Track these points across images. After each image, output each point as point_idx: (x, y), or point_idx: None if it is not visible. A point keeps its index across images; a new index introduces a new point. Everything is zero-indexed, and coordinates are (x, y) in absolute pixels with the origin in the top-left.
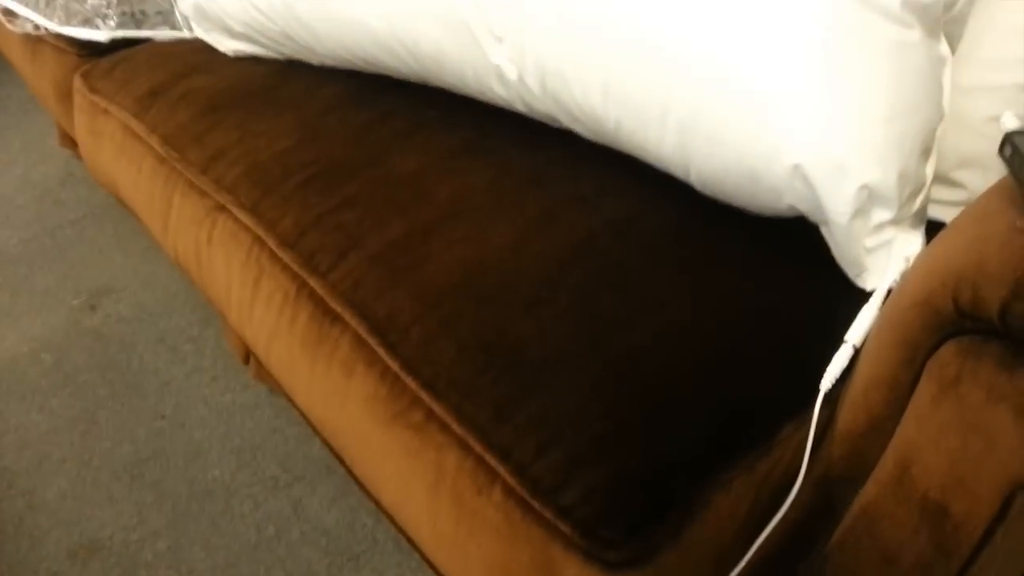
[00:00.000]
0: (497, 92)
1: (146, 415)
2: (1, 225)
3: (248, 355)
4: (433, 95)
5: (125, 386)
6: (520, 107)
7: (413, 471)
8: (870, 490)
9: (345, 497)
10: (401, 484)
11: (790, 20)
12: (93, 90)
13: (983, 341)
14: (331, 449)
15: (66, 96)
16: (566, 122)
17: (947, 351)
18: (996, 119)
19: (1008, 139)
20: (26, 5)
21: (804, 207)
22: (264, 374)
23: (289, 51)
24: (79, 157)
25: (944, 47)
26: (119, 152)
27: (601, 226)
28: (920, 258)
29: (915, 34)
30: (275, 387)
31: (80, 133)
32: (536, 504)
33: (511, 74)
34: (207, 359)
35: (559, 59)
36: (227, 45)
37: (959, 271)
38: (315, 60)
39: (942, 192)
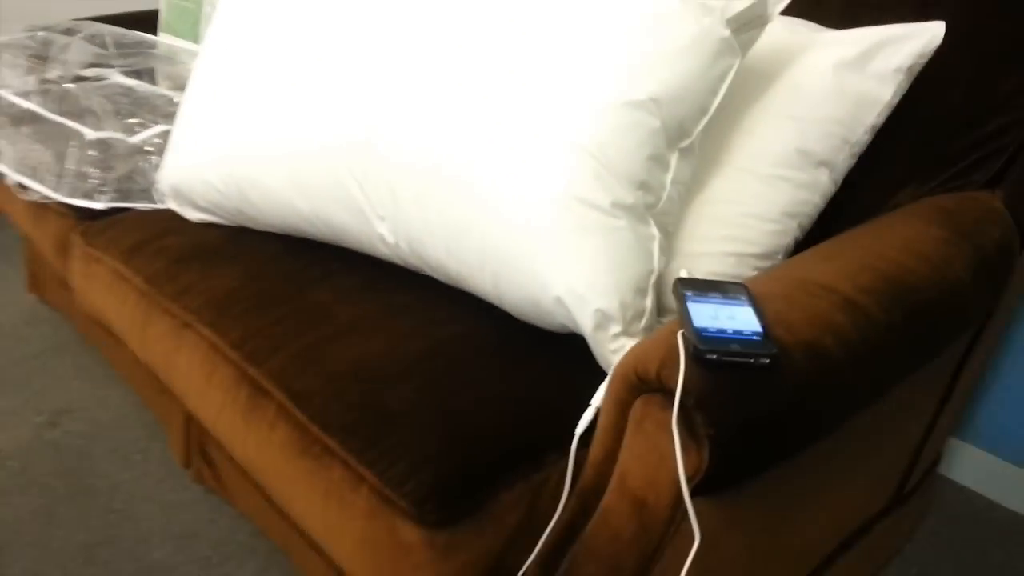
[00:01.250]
0: (382, 251)
1: (99, 509)
2: None
3: (189, 460)
4: (340, 251)
5: (81, 486)
6: (397, 261)
7: (313, 486)
8: (607, 496)
9: (268, 572)
10: (306, 496)
11: (546, 213)
12: (89, 244)
13: (652, 395)
14: (261, 490)
15: (63, 249)
16: (427, 271)
17: (637, 403)
18: (712, 273)
19: (676, 282)
20: (37, 180)
21: (569, 324)
22: (201, 476)
23: (239, 220)
24: (45, 302)
25: (652, 229)
26: (108, 290)
27: (447, 338)
28: (627, 352)
29: (623, 223)
30: (211, 487)
31: (75, 276)
32: (388, 492)
33: (390, 239)
34: (153, 465)
35: (419, 231)
36: (193, 215)
37: (639, 356)
38: (257, 227)
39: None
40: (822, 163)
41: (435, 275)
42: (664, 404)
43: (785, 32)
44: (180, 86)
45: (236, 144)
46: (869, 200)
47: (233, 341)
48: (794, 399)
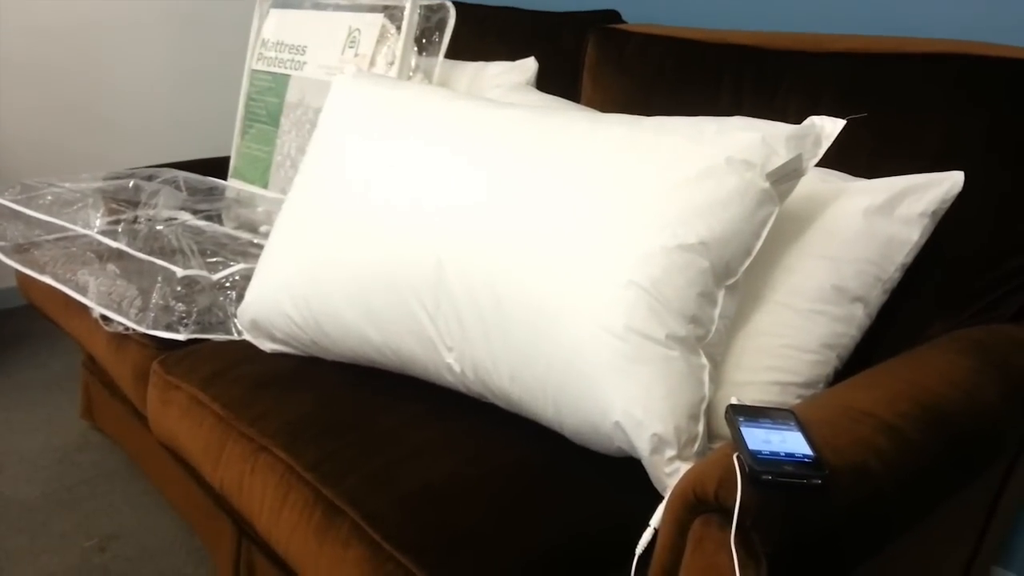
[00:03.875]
0: (447, 379)
1: None
2: (25, 481)
3: None
4: (404, 379)
5: None
6: (461, 388)
7: None
8: None
9: None
10: None
11: (607, 344)
12: (168, 372)
13: (711, 515)
14: None
15: (142, 377)
16: (490, 398)
17: (696, 523)
18: (758, 401)
19: (728, 408)
20: (121, 313)
21: (627, 448)
22: None
23: (312, 351)
24: (98, 428)
25: (703, 360)
26: (184, 415)
27: (510, 461)
28: (685, 474)
29: (676, 353)
30: None
31: (151, 403)
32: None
33: (457, 368)
34: None
35: (485, 361)
36: (268, 346)
37: (697, 477)
38: (329, 357)
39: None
40: (857, 299)
41: (497, 402)
42: (722, 524)
43: (818, 181)
44: (246, 227)
45: (314, 280)
46: (903, 332)
47: (307, 464)
48: (844, 518)
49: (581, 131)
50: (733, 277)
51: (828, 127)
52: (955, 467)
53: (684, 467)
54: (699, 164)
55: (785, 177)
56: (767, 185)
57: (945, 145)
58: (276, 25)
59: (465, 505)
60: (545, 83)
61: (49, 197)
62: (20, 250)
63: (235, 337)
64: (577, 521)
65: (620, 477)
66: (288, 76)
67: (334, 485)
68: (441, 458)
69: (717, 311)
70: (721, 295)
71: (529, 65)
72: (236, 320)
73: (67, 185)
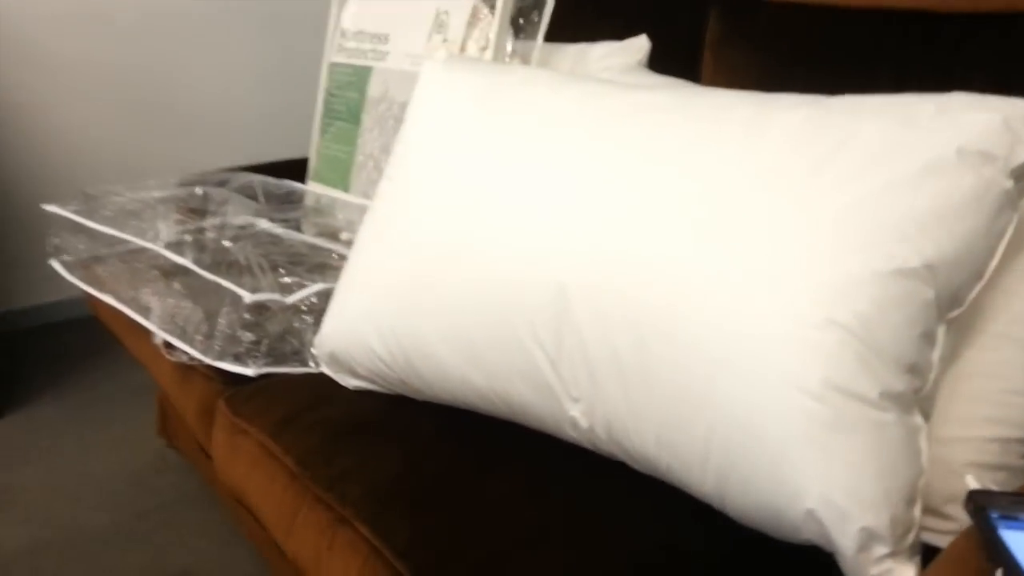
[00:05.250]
0: (570, 434)
1: None
2: (95, 508)
3: None
4: (518, 428)
5: None
6: (588, 446)
7: None
8: None
9: None
10: None
11: (798, 405)
12: (236, 413)
13: None
14: None
15: (206, 414)
16: (625, 459)
17: None
18: (972, 463)
19: (970, 497)
20: (185, 341)
21: (819, 541)
22: None
23: (401, 390)
24: (173, 447)
25: (918, 419)
26: (254, 466)
27: (654, 548)
28: None
29: (891, 416)
30: None
31: (218, 447)
32: None
33: (584, 424)
34: None
35: (622, 417)
36: (351, 383)
37: None
38: (422, 398)
39: (936, 523)
40: None
41: (636, 466)
42: None
43: None
44: (327, 234)
45: (405, 310)
46: None
47: (397, 547)
48: None
49: (746, 118)
50: (959, 308)
51: None
52: None
53: (896, 567)
54: (920, 158)
55: None
56: (1010, 185)
57: None
58: (356, 13)
59: None
60: (658, 65)
61: (113, 207)
62: (83, 265)
63: (312, 369)
64: None
65: (790, 562)
66: (370, 68)
67: (427, 573)
68: (565, 544)
69: (937, 353)
70: (942, 332)
71: (641, 44)
72: (313, 350)
73: (132, 194)
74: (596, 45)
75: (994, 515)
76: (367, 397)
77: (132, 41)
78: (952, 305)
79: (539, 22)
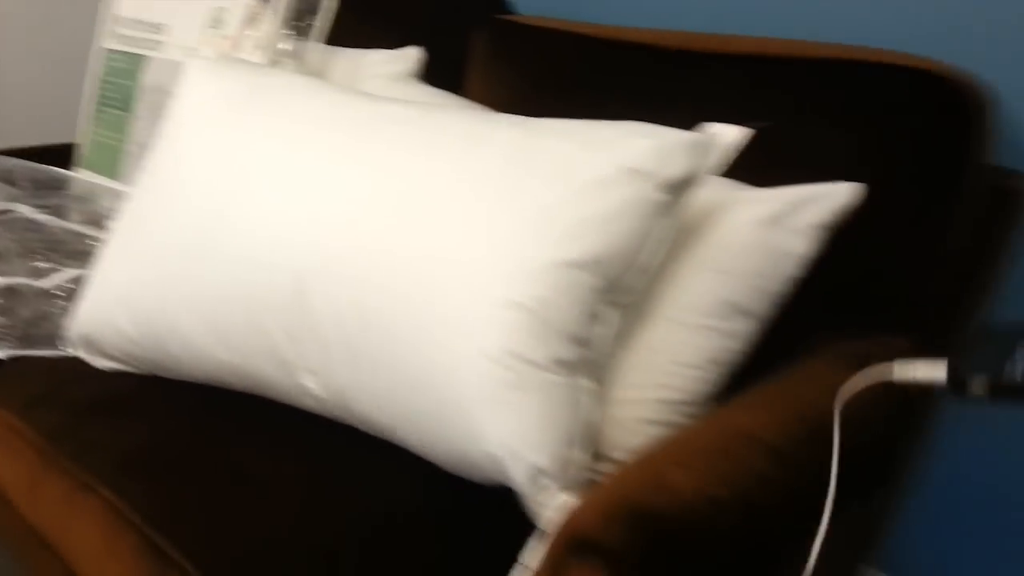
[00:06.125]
0: (309, 404)
1: None
2: None
3: None
4: (261, 401)
5: None
6: (325, 415)
7: None
8: None
9: None
10: None
11: (481, 369)
12: None
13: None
14: None
15: None
16: (355, 424)
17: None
18: (645, 420)
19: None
20: None
21: (501, 479)
22: None
23: (153, 370)
24: None
25: (585, 381)
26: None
27: (372, 500)
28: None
29: (560, 378)
30: None
31: None
32: None
33: (319, 393)
34: None
35: (349, 386)
36: (103, 364)
37: (576, 517)
38: (173, 376)
39: (606, 467)
40: (746, 313)
41: (362, 428)
42: (601, 565)
43: (710, 190)
44: (93, 222)
45: (157, 294)
46: (788, 342)
47: (137, 505)
48: (724, 561)
49: (470, 134)
50: (627, 295)
51: (728, 137)
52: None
53: (564, 497)
54: (590, 173)
55: (681, 188)
56: (662, 197)
57: (837, 155)
58: (134, 1)
59: (316, 554)
60: (430, 75)
61: None
62: None
63: (66, 353)
64: (440, 556)
65: (492, 506)
66: (145, 57)
67: (168, 532)
68: (292, 498)
69: (607, 331)
70: (612, 314)
71: (412, 55)
72: (66, 333)
73: None
74: (372, 52)
75: None
76: (119, 377)
77: None
78: (620, 292)
79: (316, 25)
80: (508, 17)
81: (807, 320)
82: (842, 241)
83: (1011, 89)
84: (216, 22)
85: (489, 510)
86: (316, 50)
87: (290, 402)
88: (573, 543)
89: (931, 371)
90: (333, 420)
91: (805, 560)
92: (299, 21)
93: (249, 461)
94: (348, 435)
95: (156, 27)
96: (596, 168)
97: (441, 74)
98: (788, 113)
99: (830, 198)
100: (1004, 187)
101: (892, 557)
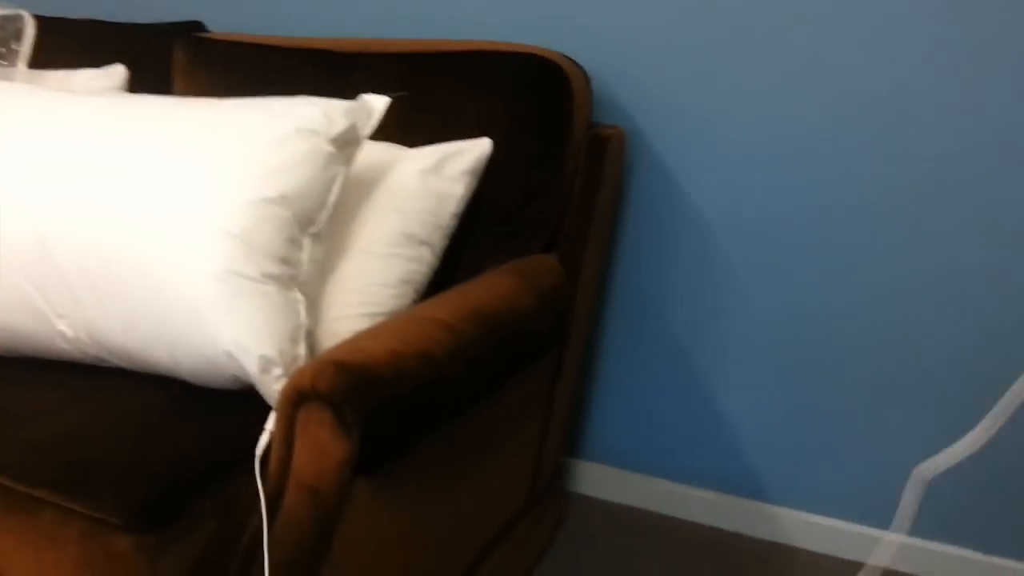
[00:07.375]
0: (63, 347)
1: None
2: None
3: None
4: (23, 359)
5: None
6: (78, 356)
7: (23, 538)
8: (287, 494)
9: None
10: (15, 549)
11: (208, 285)
12: None
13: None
14: None
15: None
16: (108, 358)
17: (300, 412)
18: (352, 331)
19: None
20: None
21: (240, 374)
22: None
23: None
24: None
25: (296, 294)
26: None
27: (133, 406)
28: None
29: (272, 288)
30: None
31: None
32: (98, 515)
33: (70, 334)
34: None
35: (97, 321)
36: None
37: (296, 377)
38: None
39: None
40: (423, 242)
41: (115, 360)
42: (321, 407)
43: (384, 151)
44: None
45: None
46: (465, 266)
47: None
48: (413, 392)
49: (167, 110)
50: (315, 226)
51: (377, 103)
52: (502, 356)
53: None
54: (273, 132)
55: (347, 143)
56: (332, 149)
57: (478, 121)
58: None
59: (95, 443)
60: (138, 89)
61: None
62: None
63: None
64: (200, 440)
65: (237, 406)
66: None
67: None
68: (67, 412)
69: (305, 254)
70: (307, 241)
71: (118, 71)
72: None
73: None
74: (79, 72)
75: None
76: None
77: None
78: (309, 223)
79: (19, 50)
80: (203, 35)
81: (479, 246)
82: (492, 185)
83: (599, 66)
84: None
85: (239, 403)
86: (24, 74)
87: (47, 350)
88: (296, 396)
89: None
90: (89, 361)
91: (483, 408)
92: (3, 47)
93: (23, 394)
94: (108, 372)
95: None
96: (277, 129)
97: (148, 86)
98: (438, 93)
99: (473, 150)
100: (599, 135)
101: (590, 446)
